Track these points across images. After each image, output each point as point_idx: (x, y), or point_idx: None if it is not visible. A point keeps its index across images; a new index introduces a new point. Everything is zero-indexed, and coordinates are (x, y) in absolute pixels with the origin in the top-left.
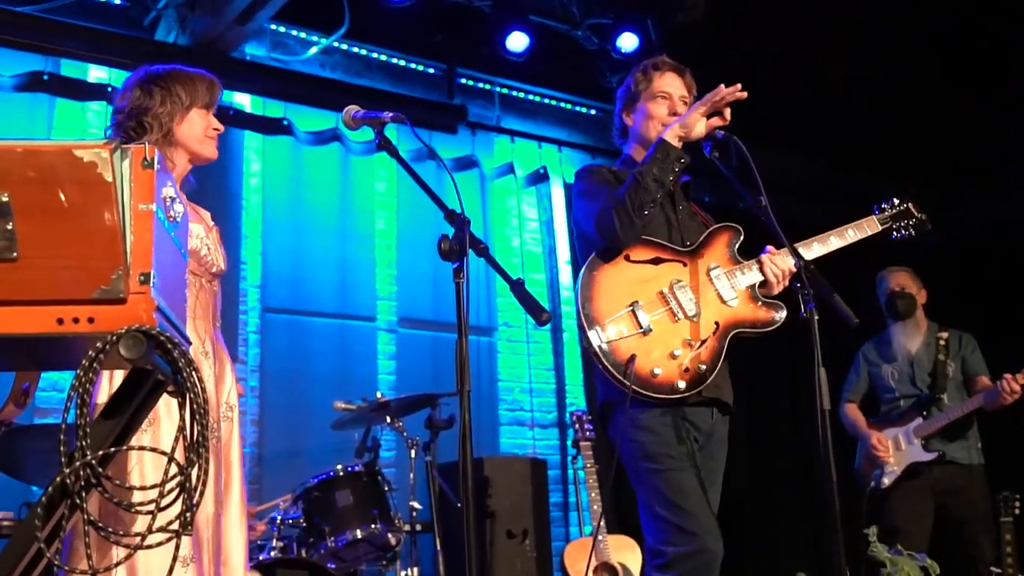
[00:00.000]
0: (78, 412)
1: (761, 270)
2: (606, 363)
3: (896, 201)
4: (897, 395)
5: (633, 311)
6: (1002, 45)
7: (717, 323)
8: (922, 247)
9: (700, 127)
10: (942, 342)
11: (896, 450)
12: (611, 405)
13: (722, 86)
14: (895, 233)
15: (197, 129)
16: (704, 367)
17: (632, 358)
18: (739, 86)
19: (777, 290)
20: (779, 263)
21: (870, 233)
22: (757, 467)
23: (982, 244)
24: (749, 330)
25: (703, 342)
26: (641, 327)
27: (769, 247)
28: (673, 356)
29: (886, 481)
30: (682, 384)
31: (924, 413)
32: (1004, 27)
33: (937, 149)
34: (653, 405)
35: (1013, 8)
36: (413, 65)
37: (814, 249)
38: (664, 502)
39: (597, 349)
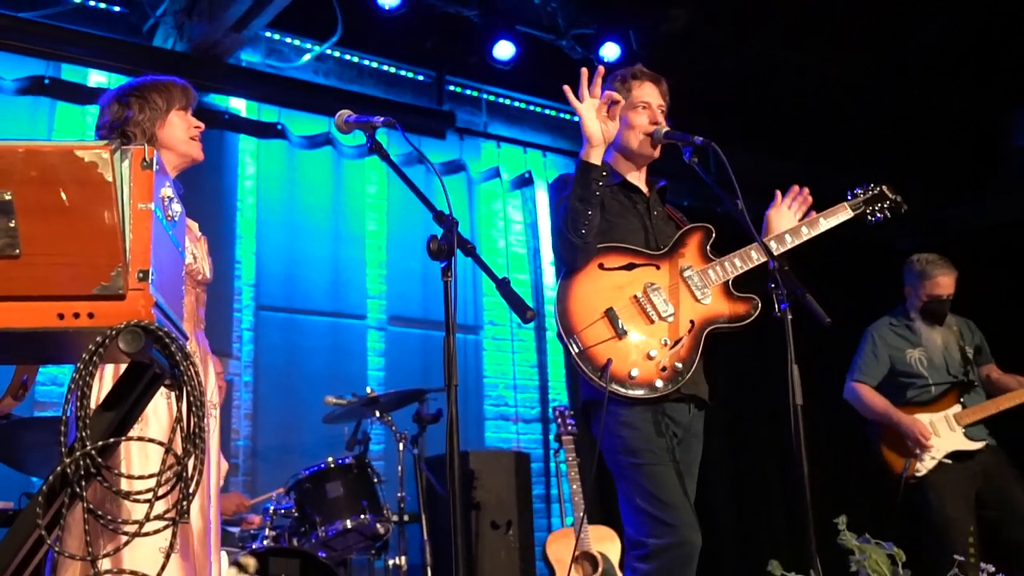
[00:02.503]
0: (78, 404)
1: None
2: (585, 369)
3: (870, 185)
4: (930, 382)
5: (608, 317)
6: (993, 47)
7: (692, 321)
8: (901, 252)
9: (604, 131)
10: (955, 328)
11: (935, 437)
12: (593, 403)
13: (569, 90)
14: (870, 217)
15: (179, 131)
16: (681, 365)
17: (608, 362)
18: (585, 69)
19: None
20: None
21: (843, 219)
22: (735, 461)
23: (965, 248)
24: (725, 325)
25: (679, 341)
26: (616, 332)
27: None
28: (650, 357)
29: (921, 469)
30: (660, 383)
31: (962, 400)
32: (992, 28)
33: (920, 152)
34: (634, 404)
35: (1002, 8)
36: (404, 72)
37: (786, 241)
38: (645, 496)
39: (576, 356)
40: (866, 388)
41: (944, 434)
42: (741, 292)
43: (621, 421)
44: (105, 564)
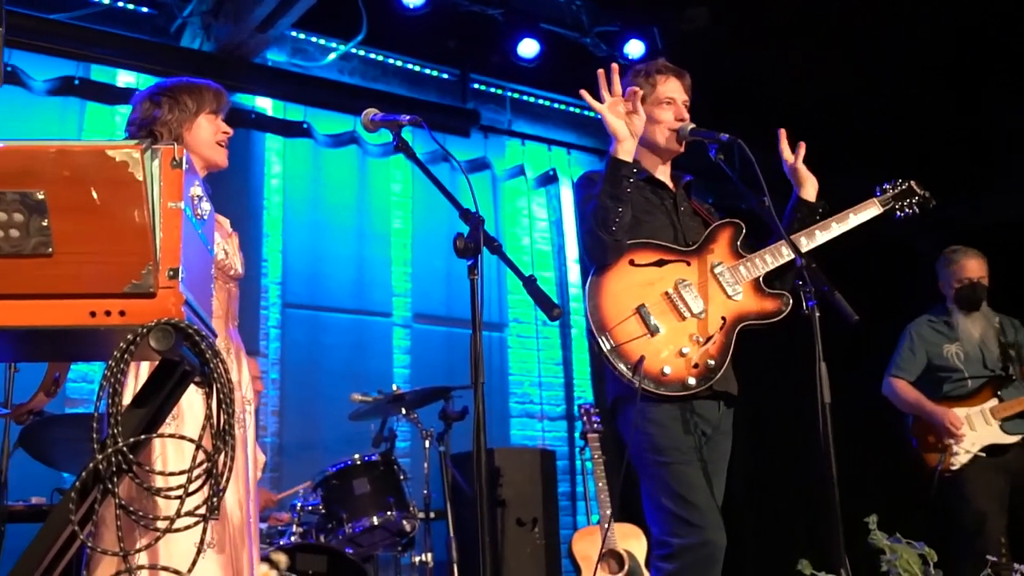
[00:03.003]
0: (110, 401)
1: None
2: (616, 366)
3: (898, 181)
4: (965, 375)
5: (639, 313)
6: (1002, 46)
7: (724, 318)
8: (917, 250)
9: (630, 126)
10: (997, 324)
11: (970, 430)
12: (622, 400)
13: (586, 93)
14: (899, 212)
15: (206, 134)
16: (713, 362)
17: (641, 359)
18: (601, 70)
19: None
20: None
21: (872, 215)
22: (762, 459)
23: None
24: (756, 322)
25: (710, 338)
26: (648, 329)
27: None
28: (682, 354)
29: (955, 463)
30: (692, 380)
31: (999, 394)
32: (1003, 28)
33: (938, 150)
34: (663, 401)
35: (1011, 9)
36: (428, 71)
37: (816, 237)
38: (670, 494)
39: (608, 353)
40: (901, 382)
41: (980, 428)
42: (771, 289)
43: (649, 418)
44: (141, 559)
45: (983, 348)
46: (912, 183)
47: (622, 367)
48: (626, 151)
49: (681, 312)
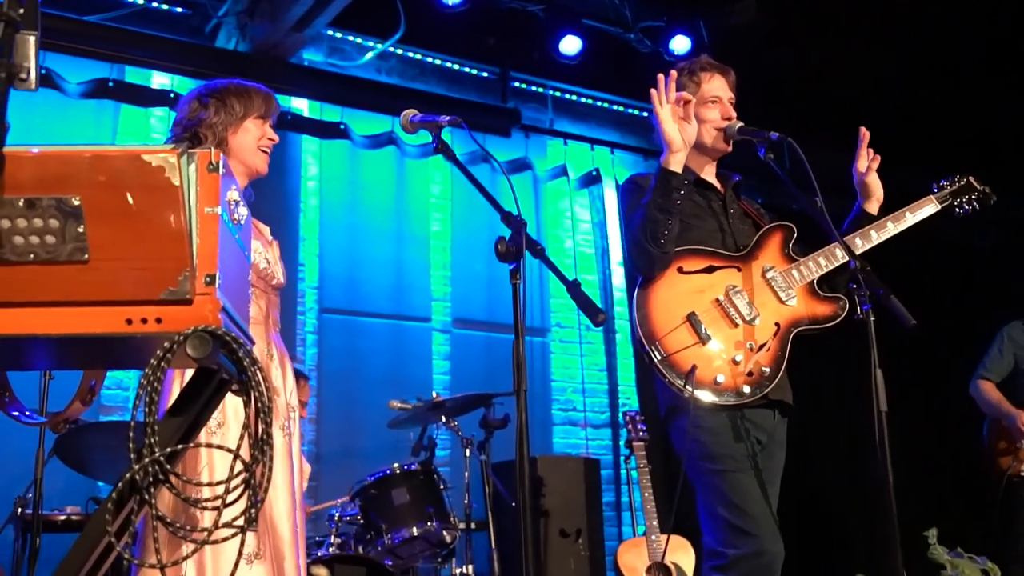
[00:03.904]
0: (146, 410)
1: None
2: (668, 376)
3: (955, 176)
4: None
5: (690, 322)
6: None
7: (777, 324)
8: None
9: (684, 135)
10: None
11: None
12: (674, 410)
13: (654, 92)
14: (957, 209)
15: (250, 139)
16: (767, 370)
17: (693, 369)
18: (661, 76)
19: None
20: None
21: (929, 213)
22: (816, 469)
23: None
24: (810, 327)
25: (764, 345)
26: (699, 337)
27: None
28: (735, 362)
29: None
30: (747, 389)
31: None
32: None
33: (996, 143)
34: (716, 409)
35: None
36: (467, 69)
37: (871, 238)
38: (725, 503)
39: (658, 364)
40: (987, 383)
41: None
42: (827, 293)
43: (700, 426)
44: (189, 570)
45: None
46: (970, 178)
47: (673, 378)
48: (678, 162)
49: (733, 319)
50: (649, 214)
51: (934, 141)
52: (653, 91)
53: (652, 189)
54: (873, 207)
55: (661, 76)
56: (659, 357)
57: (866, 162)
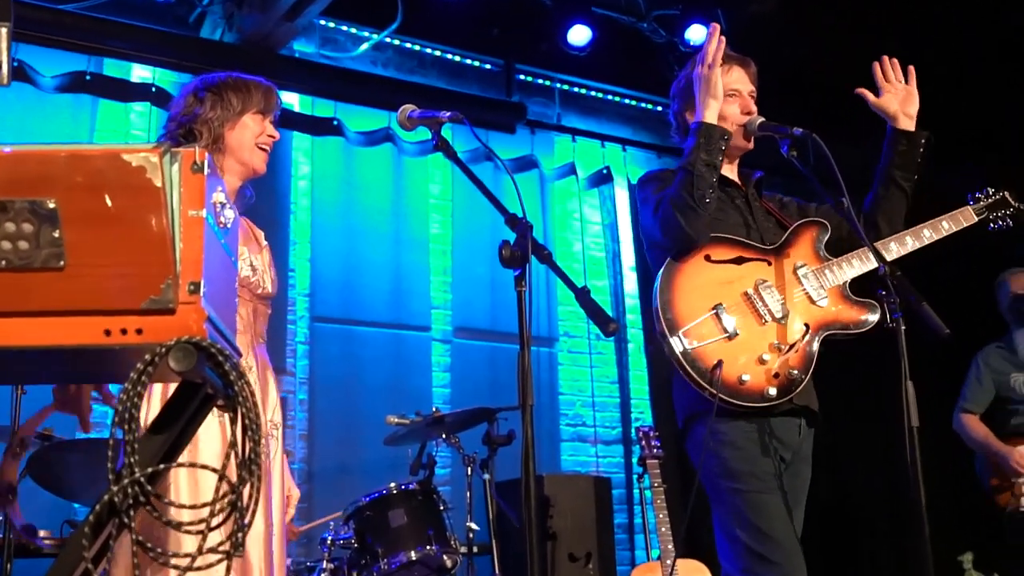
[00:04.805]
0: (126, 427)
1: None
2: (690, 370)
3: (990, 190)
4: None
5: (717, 314)
6: None
7: (807, 325)
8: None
9: (720, 87)
10: None
11: None
12: (694, 417)
13: (709, 46)
14: (992, 224)
15: (248, 136)
16: (796, 372)
17: (719, 364)
18: (716, 25)
19: None
20: None
21: (965, 225)
22: (844, 488)
23: None
24: (841, 332)
25: (793, 346)
26: (726, 331)
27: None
28: (762, 361)
29: None
30: (773, 391)
31: None
32: None
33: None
34: (739, 416)
35: None
36: (469, 61)
37: (907, 243)
38: (746, 525)
39: (680, 356)
40: (970, 418)
41: None
42: (860, 297)
43: (723, 440)
44: None
45: None
46: (1006, 194)
47: (695, 373)
48: (715, 115)
49: (762, 315)
50: (695, 170)
51: (962, 138)
52: (709, 39)
53: (691, 147)
54: (905, 123)
55: (716, 26)
56: (680, 349)
57: (883, 79)
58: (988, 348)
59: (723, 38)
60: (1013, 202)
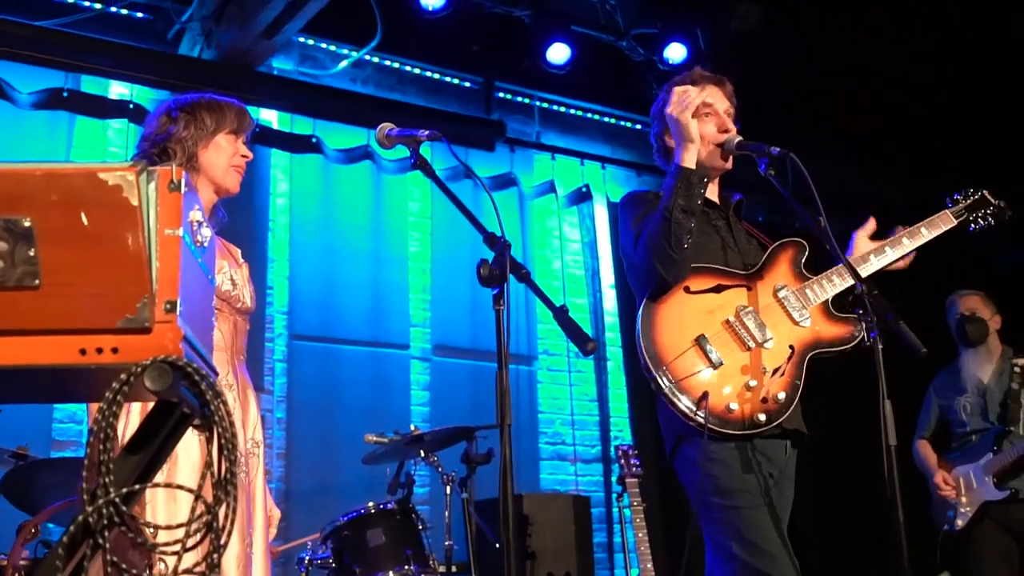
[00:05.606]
0: (101, 447)
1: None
2: (678, 404)
3: (969, 191)
4: (968, 429)
5: (700, 345)
6: None
7: (792, 347)
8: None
9: (695, 129)
10: (1017, 369)
11: (968, 490)
12: (681, 439)
13: (688, 89)
14: (972, 225)
15: (222, 157)
16: (784, 395)
17: (705, 395)
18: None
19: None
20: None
21: (945, 229)
22: (824, 506)
23: None
24: (827, 350)
25: (778, 369)
26: (711, 361)
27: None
28: (748, 388)
29: (959, 523)
30: (763, 417)
31: (995, 448)
32: None
33: (1013, 153)
34: (726, 438)
35: None
36: (448, 79)
37: (886, 254)
38: (741, 542)
39: (667, 391)
40: (922, 443)
41: (976, 486)
42: (842, 312)
43: (711, 458)
44: None
45: (986, 396)
46: (985, 192)
47: (683, 406)
48: (694, 158)
49: (745, 341)
50: (673, 217)
51: (948, 150)
52: (678, 89)
53: (670, 190)
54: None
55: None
56: (666, 384)
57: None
58: (939, 375)
59: (698, 67)
60: (992, 200)
